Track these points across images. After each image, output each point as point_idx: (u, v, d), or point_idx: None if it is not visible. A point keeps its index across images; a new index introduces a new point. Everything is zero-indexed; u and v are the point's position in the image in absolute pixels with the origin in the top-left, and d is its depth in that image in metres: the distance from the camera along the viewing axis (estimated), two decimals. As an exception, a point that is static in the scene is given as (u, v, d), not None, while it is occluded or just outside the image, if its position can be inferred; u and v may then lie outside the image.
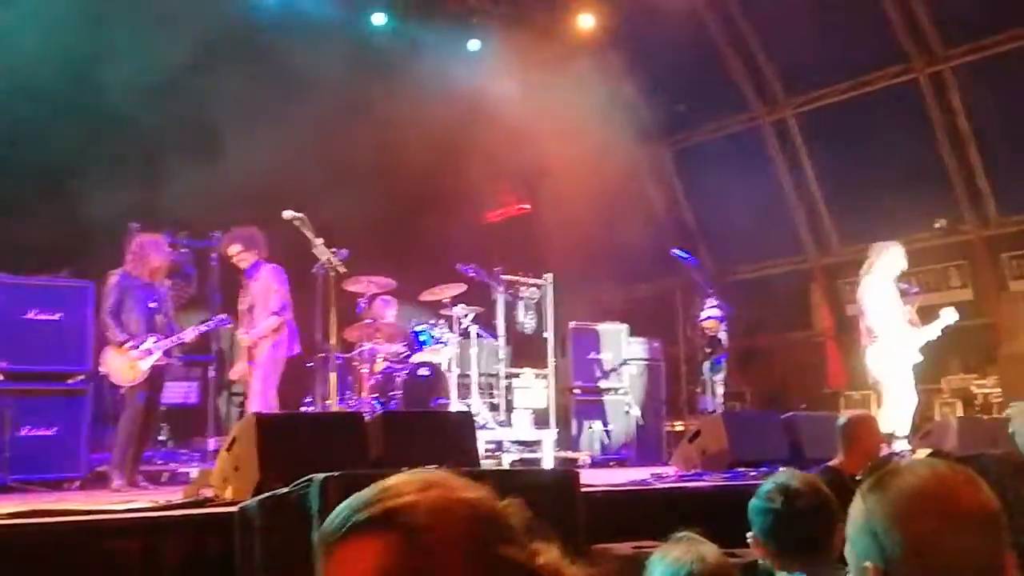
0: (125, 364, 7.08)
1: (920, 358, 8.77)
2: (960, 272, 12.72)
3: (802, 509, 2.85)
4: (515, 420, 10.04)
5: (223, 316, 7.90)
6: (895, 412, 8.45)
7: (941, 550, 1.39)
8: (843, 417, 5.58)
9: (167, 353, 7.37)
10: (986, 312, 12.26)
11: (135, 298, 7.27)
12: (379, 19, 12.39)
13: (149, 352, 7.15)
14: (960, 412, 10.73)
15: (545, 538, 1.12)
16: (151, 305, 7.32)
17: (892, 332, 8.58)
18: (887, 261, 8.86)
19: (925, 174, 12.39)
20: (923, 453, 5.97)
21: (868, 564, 1.44)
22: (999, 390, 11.02)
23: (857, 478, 1.52)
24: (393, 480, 1.09)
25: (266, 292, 7.69)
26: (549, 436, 9.76)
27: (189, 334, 7.44)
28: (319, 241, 7.30)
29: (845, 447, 5.33)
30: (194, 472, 7.57)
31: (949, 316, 8.84)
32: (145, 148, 9.56)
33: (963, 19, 11.82)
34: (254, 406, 7.47)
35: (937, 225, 12.67)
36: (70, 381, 7.75)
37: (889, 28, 12.28)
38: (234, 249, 7.85)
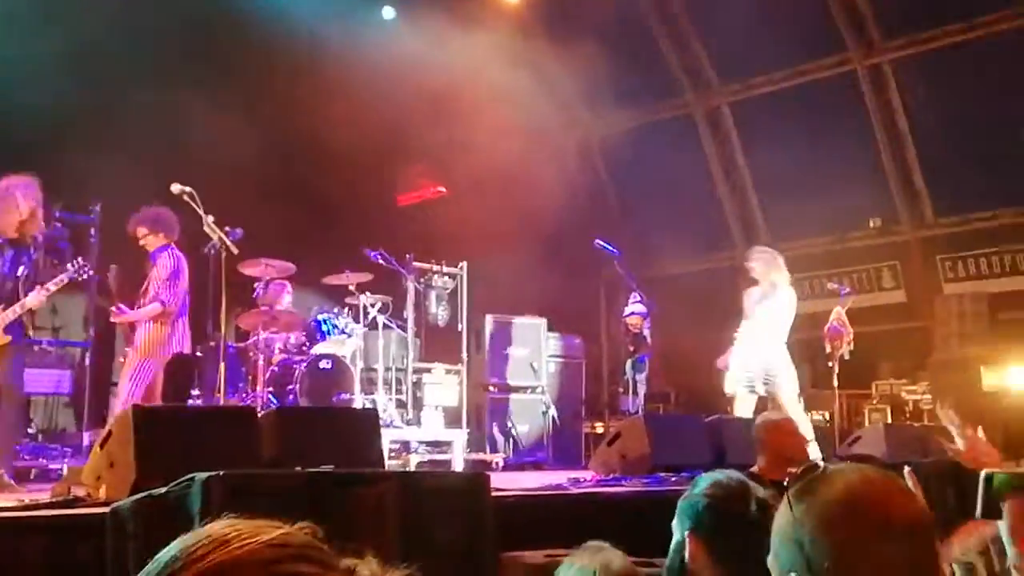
0: None
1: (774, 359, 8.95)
2: (893, 273, 13.04)
3: (769, 520, 2.85)
4: (424, 419, 9.96)
5: (82, 263, 6.81)
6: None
7: (870, 560, 1.39)
8: (758, 420, 5.66)
9: (15, 331, 6.42)
10: (919, 315, 12.58)
11: None
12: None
13: None
14: (889, 418, 10.95)
15: (357, 555, 1.12)
16: (6, 269, 6.47)
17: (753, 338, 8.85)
18: (764, 268, 9.11)
19: (861, 171, 12.67)
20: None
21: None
22: (929, 397, 11.27)
23: (785, 483, 1.51)
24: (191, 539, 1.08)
25: (158, 278, 7.24)
26: (460, 436, 9.71)
27: (34, 298, 6.43)
28: (210, 218, 7.10)
29: (762, 452, 5.44)
30: (64, 469, 7.33)
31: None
32: (24, 112, 9.20)
33: (905, 10, 12.09)
34: (119, 396, 7.01)
35: (872, 224, 12.97)
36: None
37: (828, 16, 12.51)
38: (140, 232, 7.29)
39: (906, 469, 2.53)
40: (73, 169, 8.71)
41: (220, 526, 1.07)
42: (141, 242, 7.36)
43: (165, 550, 1.06)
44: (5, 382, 6.44)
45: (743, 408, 8.64)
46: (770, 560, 1.51)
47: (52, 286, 6.48)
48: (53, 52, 9.18)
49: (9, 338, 6.37)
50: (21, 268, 6.46)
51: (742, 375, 8.83)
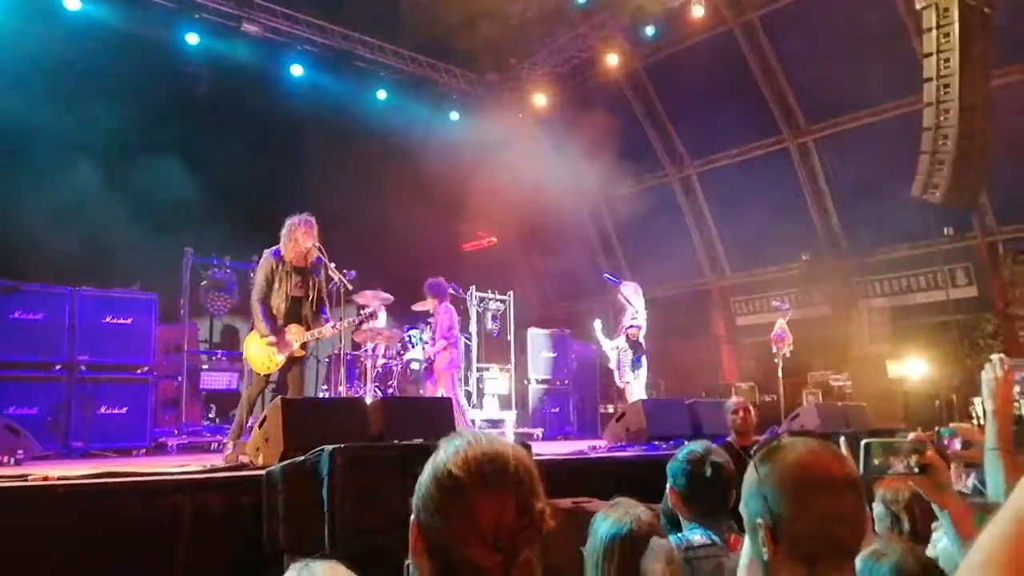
0: (263, 355, 5.85)
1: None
2: (821, 293, 12.84)
3: (722, 478, 2.86)
4: (485, 404, 9.95)
5: (366, 312, 6.67)
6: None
7: (816, 509, 1.37)
8: (725, 405, 5.63)
9: (304, 345, 5.86)
10: (840, 324, 12.37)
11: (282, 282, 5.83)
12: (381, 95, 12.36)
13: (288, 345, 5.80)
14: (820, 399, 10.77)
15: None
16: (296, 294, 5.88)
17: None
18: (633, 295, 9.12)
19: (794, 219, 12.53)
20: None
21: (759, 521, 1.41)
22: (850, 383, 11.12)
23: (752, 451, 1.48)
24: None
25: (440, 324, 8.11)
26: (510, 416, 9.68)
27: (328, 331, 5.96)
28: (332, 265, 7.14)
29: (730, 428, 5.44)
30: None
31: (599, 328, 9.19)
32: (200, 196, 9.32)
33: (822, 103, 12.03)
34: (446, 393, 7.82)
35: (804, 257, 12.80)
36: (138, 372, 7.57)
37: (767, 109, 12.45)
38: (427, 293, 8.28)
39: (841, 439, 2.47)
40: (237, 232, 8.83)
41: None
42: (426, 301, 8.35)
43: None
44: (295, 381, 5.97)
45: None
46: (741, 508, 1.49)
47: (339, 325, 6.10)
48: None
49: (303, 352, 5.95)
50: (299, 291, 5.89)
51: (644, 379, 9.01)
